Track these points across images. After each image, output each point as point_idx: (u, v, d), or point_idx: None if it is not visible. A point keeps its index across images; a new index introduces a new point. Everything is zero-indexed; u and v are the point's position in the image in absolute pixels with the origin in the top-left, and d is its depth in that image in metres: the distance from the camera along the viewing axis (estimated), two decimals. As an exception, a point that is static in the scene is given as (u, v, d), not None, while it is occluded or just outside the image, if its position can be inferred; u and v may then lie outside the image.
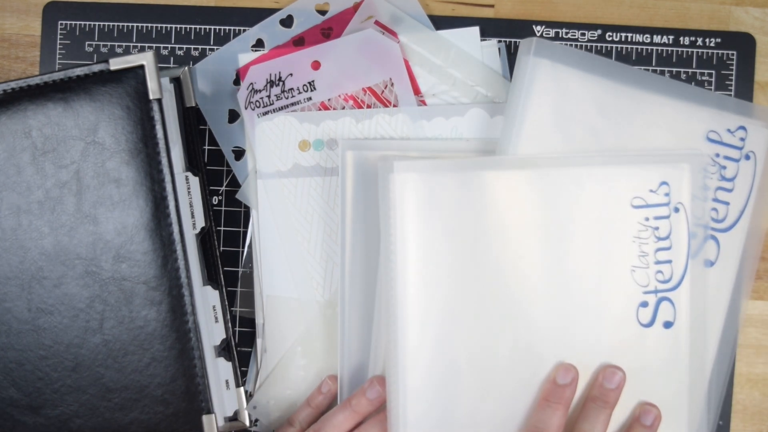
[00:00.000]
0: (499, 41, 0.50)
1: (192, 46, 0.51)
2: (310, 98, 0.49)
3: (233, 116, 0.50)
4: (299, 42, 0.50)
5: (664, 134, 0.47)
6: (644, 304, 0.46)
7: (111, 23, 0.51)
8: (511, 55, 0.50)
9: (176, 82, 0.48)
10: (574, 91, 0.46)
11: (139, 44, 0.51)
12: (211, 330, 0.47)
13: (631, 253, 0.45)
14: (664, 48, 0.51)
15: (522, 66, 0.46)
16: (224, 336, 0.48)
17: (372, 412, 0.45)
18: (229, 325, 0.49)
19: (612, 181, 0.45)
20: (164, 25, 0.51)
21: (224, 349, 0.48)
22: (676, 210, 0.46)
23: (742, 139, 0.48)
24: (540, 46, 0.45)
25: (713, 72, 0.51)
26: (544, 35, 0.51)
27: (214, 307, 0.48)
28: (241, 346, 0.50)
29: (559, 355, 0.45)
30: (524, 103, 0.45)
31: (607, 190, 0.45)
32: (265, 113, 0.49)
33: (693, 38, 0.51)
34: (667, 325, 0.46)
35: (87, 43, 0.51)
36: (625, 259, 0.45)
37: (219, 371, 0.47)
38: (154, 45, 0.51)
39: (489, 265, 0.44)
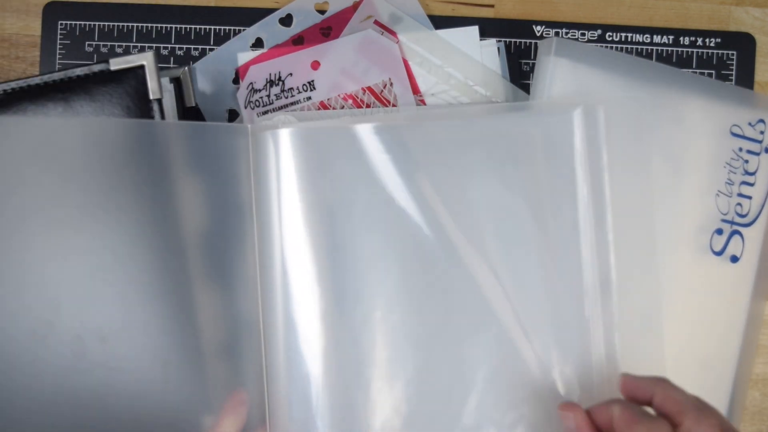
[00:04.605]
0: (498, 41, 0.50)
1: (192, 46, 0.51)
2: (309, 98, 0.49)
3: (233, 116, 0.50)
4: (298, 41, 0.50)
5: (687, 130, 0.46)
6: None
7: (111, 23, 0.51)
8: (510, 55, 0.50)
9: (176, 82, 0.48)
10: (595, 91, 0.45)
11: (139, 44, 0.51)
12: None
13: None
14: (664, 48, 0.51)
15: (543, 67, 0.45)
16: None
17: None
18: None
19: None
20: (164, 25, 0.51)
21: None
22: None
23: (762, 132, 0.48)
24: (560, 46, 0.45)
25: (713, 72, 0.50)
26: (544, 35, 0.50)
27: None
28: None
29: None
30: None
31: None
32: (265, 113, 0.49)
33: (693, 38, 0.51)
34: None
35: (87, 43, 0.51)
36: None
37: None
38: (154, 45, 0.51)
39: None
